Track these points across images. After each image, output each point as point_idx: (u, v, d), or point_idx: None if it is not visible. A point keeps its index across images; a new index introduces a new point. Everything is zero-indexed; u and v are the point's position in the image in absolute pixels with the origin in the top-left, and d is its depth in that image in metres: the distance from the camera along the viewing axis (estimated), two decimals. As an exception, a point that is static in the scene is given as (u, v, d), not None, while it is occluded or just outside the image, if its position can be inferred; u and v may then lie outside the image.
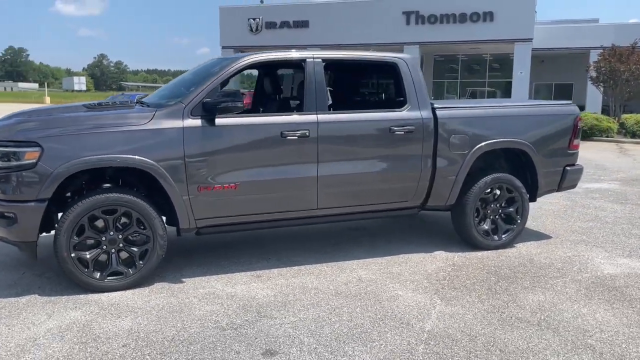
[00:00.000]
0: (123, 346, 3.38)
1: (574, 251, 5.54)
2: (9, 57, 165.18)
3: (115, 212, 4.22)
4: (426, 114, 5.14)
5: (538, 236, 6.11)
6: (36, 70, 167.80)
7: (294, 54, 4.97)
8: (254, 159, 4.58)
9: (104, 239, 4.25)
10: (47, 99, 54.17)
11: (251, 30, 29.83)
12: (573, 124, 5.75)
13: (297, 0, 30.40)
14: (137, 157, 4.18)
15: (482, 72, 33.81)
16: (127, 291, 4.27)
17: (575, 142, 5.82)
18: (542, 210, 7.35)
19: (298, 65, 4.97)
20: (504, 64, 30.79)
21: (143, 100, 5.05)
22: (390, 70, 5.34)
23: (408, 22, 27.63)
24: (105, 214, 4.21)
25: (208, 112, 4.39)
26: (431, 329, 3.69)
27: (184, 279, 4.57)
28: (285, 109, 5.47)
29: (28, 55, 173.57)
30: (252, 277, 4.66)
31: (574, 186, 6.07)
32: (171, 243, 5.39)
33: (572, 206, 7.72)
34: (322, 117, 4.78)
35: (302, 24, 29.06)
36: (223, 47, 30.07)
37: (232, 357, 3.27)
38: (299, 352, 3.33)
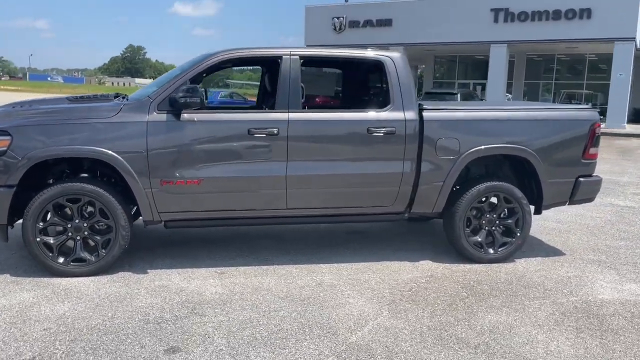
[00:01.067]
0: (44, 330, 3.51)
1: (579, 271, 5.00)
2: (128, 54, 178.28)
3: (79, 201, 4.40)
4: (411, 115, 4.86)
5: (550, 252, 5.59)
6: (152, 67, 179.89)
7: (269, 51, 4.90)
8: (219, 156, 4.58)
9: (69, 226, 4.44)
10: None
11: (335, 29, 29.92)
12: (589, 131, 5.18)
13: (383, -2, 30.01)
14: (97, 148, 4.33)
15: (580, 74, 31.50)
16: (88, 278, 4.44)
17: (592, 151, 5.24)
18: (576, 225, 6.72)
19: (274, 62, 4.89)
20: (605, 64, 28.47)
21: (127, 95, 5.22)
22: (375, 68, 5.12)
23: (496, 20, 26.34)
24: (70, 202, 4.40)
25: (173, 107, 4.45)
26: (355, 341, 3.49)
27: (149, 270, 4.67)
28: (261, 106, 5.42)
29: (145, 53, 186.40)
30: (215, 273, 4.67)
31: (590, 199, 5.48)
32: (157, 234, 5.55)
33: (615, 222, 6.99)
34: (294, 115, 4.67)
35: (386, 23, 28.68)
36: (307, 47, 30.41)
37: (135, 350, 3.29)
38: (201, 353, 3.28)
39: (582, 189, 5.26)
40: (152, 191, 4.47)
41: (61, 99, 5.24)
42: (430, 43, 28.39)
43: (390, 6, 28.63)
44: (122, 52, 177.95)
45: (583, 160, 5.22)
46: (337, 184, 4.80)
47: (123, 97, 4.95)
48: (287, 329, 3.63)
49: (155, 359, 3.20)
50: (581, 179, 5.24)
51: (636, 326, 3.85)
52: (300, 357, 3.27)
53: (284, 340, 3.47)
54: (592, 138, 5.20)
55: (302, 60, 4.81)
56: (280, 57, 4.77)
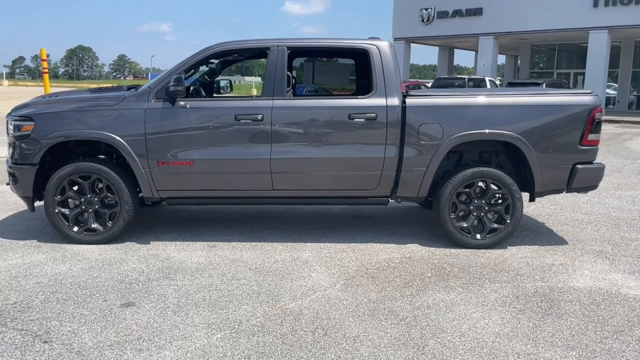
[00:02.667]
0: (36, 283, 4.17)
1: (569, 260, 4.87)
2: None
3: (89, 178, 5.06)
4: (392, 101, 5.00)
5: (552, 241, 5.45)
6: (262, 65, 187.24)
7: (259, 43, 5.26)
8: (209, 140, 5.03)
9: (82, 200, 5.13)
10: (254, 91, 60.28)
11: (422, 20, 29.54)
12: (587, 117, 5.00)
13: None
14: (103, 132, 4.96)
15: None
16: (97, 245, 5.10)
17: (592, 137, 5.05)
18: (604, 217, 6.43)
19: (263, 53, 5.24)
20: None
21: (139, 86, 5.82)
22: (361, 57, 5.30)
23: (596, 4, 24.58)
24: (82, 179, 5.07)
25: (169, 95, 4.97)
26: (290, 307, 3.78)
27: (151, 242, 5.24)
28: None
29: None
30: (207, 246, 5.14)
31: (593, 187, 5.26)
32: (176, 213, 6.12)
33: (652, 215, 6.57)
34: (277, 102, 5.01)
35: (475, 12, 27.82)
36: (395, 39, 30.33)
37: (98, 303, 3.82)
38: (150, 308, 3.74)
39: (580, 177, 5.09)
40: (150, 171, 5.02)
41: (85, 90, 5.98)
42: (524, 32, 27.13)
43: (480, -5, 27.75)
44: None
45: (581, 147, 5.05)
46: (320, 168, 5.06)
47: (135, 89, 5.56)
48: (237, 294, 4.00)
49: (109, 309, 3.71)
50: (579, 166, 5.07)
51: (587, 312, 3.77)
52: (232, 317, 3.62)
53: (227, 303, 3.84)
54: (591, 124, 5.01)
55: (289, 51, 5.13)
56: (268, 48, 5.12)
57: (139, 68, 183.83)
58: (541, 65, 34.57)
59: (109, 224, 5.12)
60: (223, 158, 5.03)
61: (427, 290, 4.12)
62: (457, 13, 28.51)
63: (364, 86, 5.61)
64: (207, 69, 6.33)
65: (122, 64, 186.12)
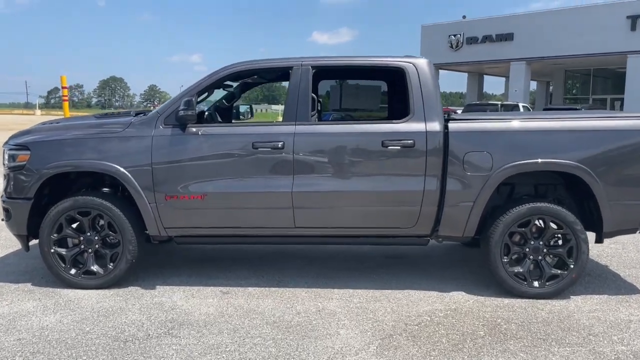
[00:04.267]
0: (17, 340, 3.55)
1: (648, 315, 4.06)
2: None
3: (89, 214, 4.48)
4: (433, 126, 4.33)
5: (622, 290, 4.65)
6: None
7: (279, 62, 4.66)
8: (223, 170, 4.42)
9: (82, 238, 4.54)
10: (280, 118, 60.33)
11: (451, 46, 28.96)
12: (666, 142, 4.24)
13: (501, 13, 28.47)
14: (104, 162, 4.39)
15: None
16: (97, 290, 4.49)
17: (673, 167, 4.28)
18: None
19: (285, 73, 4.64)
20: None
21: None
22: (396, 76, 4.66)
23: (634, 28, 23.67)
24: (81, 216, 4.50)
25: (178, 120, 4.40)
26: (314, 379, 3.07)
27: (157, 286, 4.61)
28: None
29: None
30: (219, 292, 4.48)
31: (673, 226, 4.46)
32: (186, 252, 5.51)
33: None
34: (301, 128, 4.39)
35: (506, 37, 27.13)
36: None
37: (84, 368, 3.18)
38: (144, 376, 3.09)
39: (658, 214, 4.30)
40: (157, 206, 4.43)
41: (91, 116, 5.47)
42: (557, 57, 26.28)
43: (510, 20, 27.13)
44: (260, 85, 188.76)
45: (659, 179, 4.28)
46: (349, 203, 4.40)
47: (145, 114, 5.01)
48: (249, 359, 3.31)
49: (94, 379, 3.06)
50: (657, 202, 4.29)
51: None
52: (243, 392, 2.93)
53: (238, 371, 3.16)
54: (672, 151, 4.25)
55: (314, 70, 4.52)
56: (291, 68, 4.53)
57: (169, 97, 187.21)
58: (574, 91, 33.53)
59: (110, 265, 4.52)
60: (239, 191, 4.41)
61: (482, 356, 3.37)
62: (487, 38, 27.86)
63: (398, 110, 4.97)
64: (226, 92, 5.79)
65: (152, 94, 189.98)
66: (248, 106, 6.26)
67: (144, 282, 4.69)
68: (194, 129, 4.42)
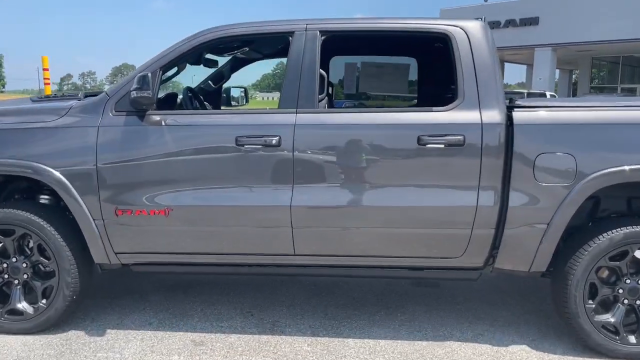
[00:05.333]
0: None
1: None
2: (278, 70, 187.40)
3: (13, 233, 3.27)
4: (491, 115, 3.05)
5: None
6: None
7: (275, 26, 3.36)
8: (195, 175, 3.18)
9: (5, 265, 3.33)
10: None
11: (472, 31, 27.36)
12: None
13: (527, -5, 26.85)
14: (29, 162, 3.16)
15: None
16: (24, 337, 3.29)
17: None
18: None
19: (283, 42, 3.36)
20: None
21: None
22: (438, 47, 3.38)
23: (670, 11, 21.99)
24: (2, 235, 3.28)
25: (133, 105, 3.15)
26: None
27: (108, 331, 3.40)
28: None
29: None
30: (190, 343, 3.26)
31: None
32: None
33: None
34: (304, 117, 3.12)
35: (531, 22, 25.47)
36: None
37: None
38: None
39: None
40: (104, 223, 3.20)
41: (26, 99, 4.26)
42: (585, 42, 24.60)
43: (536, 3, 25.43)
44: (272, 69, 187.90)
45: None
46: (369, 222, 3.14)
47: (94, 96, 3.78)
48: None
49: None
50: None
51: None
52: None
53: None
54: None
55: (323, 38, 3.24)
56: (291, 33, 3.25)
57: (181, 87, 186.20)
58: (597, 80, 31.81)
59: (43, 303, 3.31)
60: (216, 205, 3.17)
61: None
62: (510, 23, 26.23)
63: (437, 94, 3.70)
64: (214, 72, 4.55)
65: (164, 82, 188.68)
66: (241, 89, 4.99)
67: (92, 324, 3.49)
68: (156, 118, 3.18)
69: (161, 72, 3.25)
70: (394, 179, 3.10)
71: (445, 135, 3.04)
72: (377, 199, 3.11)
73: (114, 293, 3.99)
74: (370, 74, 4.65)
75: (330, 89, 4.72)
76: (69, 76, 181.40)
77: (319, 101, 3.21)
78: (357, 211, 3.13)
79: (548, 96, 19.72)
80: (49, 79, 10.03)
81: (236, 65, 4.60)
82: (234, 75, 4.79)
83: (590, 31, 23.86)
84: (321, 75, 3.23)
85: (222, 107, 4.68)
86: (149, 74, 3.01)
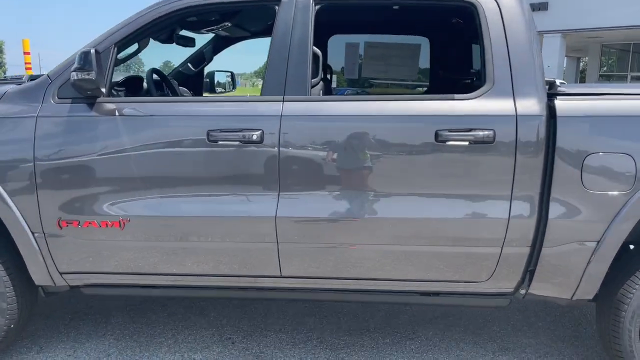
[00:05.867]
0: None
1: None
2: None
3: None
4: (529, 105, 2.42)
5: None
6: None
7: (257, -9, 2.72)
8: (157, 179, 2.56)
9: None
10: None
11: (478, 17, 26.55)
12: None
13: (536, -21, 25.98)
14: (-56, 160, 2.54)
15: None
16: (-50, 375, 2.69)
17: None
18: None
19: (271, 14, 2.70)
20: None
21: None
22: (456, 23, 2.75)
23: (685, -3, 21.17)
24: None
25: (78, 90, 2.52)
26: None
27: (56, 365, 2.80)
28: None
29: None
30: (153, 382, 2.65)
31: None
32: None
33: None
34: (293, 106, 2.49)
35: (540, 7, 24.55)
36: None
37: None
38: None
39: None
40: (44, 236, 2.58)
41: None
42: (595, 29, 23.80)
43: (545, -13, 24.60)
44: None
45: None
46: (374, 238, 2.52)
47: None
48: None
49: None
50: None
51: None
52: None
53: None
54: None
55: (318, 7, 2.59)
56: (277, 1, 2.60)
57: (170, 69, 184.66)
58: (605, 67, 30.97)
59: (-27, 334, 2.70)
60: (183, 215, 2.55)
61: None
62: (518, 8, 25.36)
63: (454, 81, 3.08)
64: (194, 54, 3.94)
65: (167, 71, 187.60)
66: (227, 74, 4.37)
67: (38, 355, 2.90)
68: (110, 106, 2.55)
69: (116, 49, 2.61)
70: (404, 185, 2.48)
71: (470, 129, 2.41)
72: (382, 210, 2.49)
73: (73, 311, 3.39)
74: (374, 55, 4.00)
75: (329, 75, 4.10)
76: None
77: (312, 86, 2.57)
78: (358, 225, 2.51)
79: (558, 84, 19.02)
80: (30, 63, 9.40)
81: (219, 44, 3.97)
82: (231, 58, 4.18)
83: (600, 17, 23.07)
84: (315, 54, 2.60)
85: (204, 95, 4.07)
86: (93, 51, 2.37)
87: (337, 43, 4.02)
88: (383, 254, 2.56)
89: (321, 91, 2.84)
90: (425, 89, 4.17)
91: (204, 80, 4.13)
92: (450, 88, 3.28)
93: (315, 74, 2.60)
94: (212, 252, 2.60)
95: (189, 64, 3.98)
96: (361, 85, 4.52)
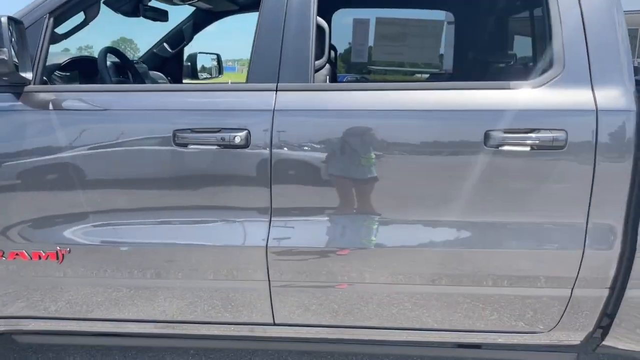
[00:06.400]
0: None
1: None
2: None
3: None
4: (612, 96, 1.77)
5: None
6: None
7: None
8: (107, 196, 1.90)
9: None
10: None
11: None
12: None
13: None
14: None
15: None
16: None
17: None
18: None
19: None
20: None
21: None
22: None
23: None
24: None
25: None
26: None
27: None
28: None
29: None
30: None
31: None
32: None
33: None
34: (289, 98, 1.83)
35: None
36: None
37: None
38: None
39: None
40: (-40, 271, 1.93)
41: None
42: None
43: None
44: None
45: None
46: (399, 275, 1.87)
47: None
48: None
49: None
50: None
51: None
52: None
53: None
54: None
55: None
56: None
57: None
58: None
59: None
60: (143, 243, 1.90)
61: None
62: (523, -7, 24.67)
63: (485, 65, 2.44)
64: (171, 32, 3.28)
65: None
66: (213, 56, 3.71)
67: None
68: (44, 97, 1.89)
69: (51, 20, 1.93)
70: (441, 206, 1.82)
71: (533, 130, 1.76)
72: (410, 238, 1.84)
73: None
74: (387, 34, 3.32)
75: (332, 54, 3.41)
76: (66, 50, 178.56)
77: (316, 71, 1.91)
78: (376, 256, 1.87)
79: None
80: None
81: (201, 20, 3.30)
82: (224, 38, 3.52)
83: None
84: (320, 28, 1.93)
85: (184, 81, 3.42)
86: (4, 20, 1.67)
87: (343, 19, 3.34)
88: (411, 296, 1.92)
89: (327, 77, 2.18)
90: (443, 74, 3.52)
91: (184, 64, 3.47)
92: (480, 74, 2.66)
93: (319, 55, 1.93)
94: (181, 292, 1.95)
95: (164, 44, 3.31)
96: (359, 72, 3.82)
